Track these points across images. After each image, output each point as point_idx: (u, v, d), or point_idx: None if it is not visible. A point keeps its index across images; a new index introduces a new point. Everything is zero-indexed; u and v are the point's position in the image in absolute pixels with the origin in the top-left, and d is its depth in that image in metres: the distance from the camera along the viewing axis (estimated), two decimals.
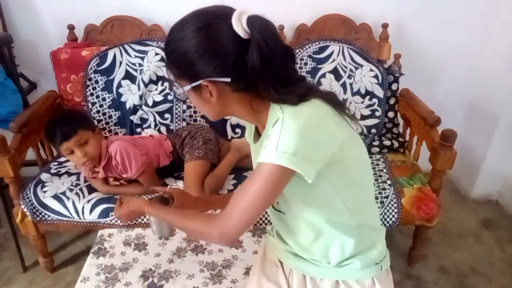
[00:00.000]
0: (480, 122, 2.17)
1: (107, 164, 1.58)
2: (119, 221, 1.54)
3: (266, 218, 1.54)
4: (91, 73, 1.87)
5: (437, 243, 1.95)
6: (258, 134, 0.94)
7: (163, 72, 1.87)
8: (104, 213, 1.55)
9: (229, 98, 0.81)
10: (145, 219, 1.55)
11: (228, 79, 0.76)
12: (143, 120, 1.92)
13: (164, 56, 0.83)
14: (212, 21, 0.77)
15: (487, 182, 2.21)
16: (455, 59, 2.13)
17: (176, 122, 1.91)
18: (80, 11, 1.96)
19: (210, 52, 0.75)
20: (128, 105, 1.90)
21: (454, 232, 2.04)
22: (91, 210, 1.55)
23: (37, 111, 1.73)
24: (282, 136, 0.73)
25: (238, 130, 1.94)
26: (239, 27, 0.73)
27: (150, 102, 1.89)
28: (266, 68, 0.75)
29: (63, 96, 1.91)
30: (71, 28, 1.95)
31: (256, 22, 0.74)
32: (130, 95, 1.89)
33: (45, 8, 1.96)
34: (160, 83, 1.88)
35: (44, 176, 1.66)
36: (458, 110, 2.23)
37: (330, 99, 0.82)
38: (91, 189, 1.62)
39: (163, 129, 1.92)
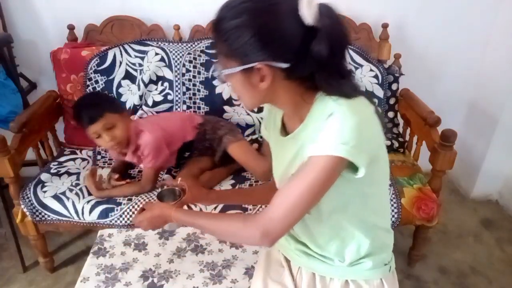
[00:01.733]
0: (480, 122, 2.17)
1: (135, 150, 1.56)
2: (119, 222, 1.54)
3: None
4: (91, 73, 1.87)
5: (437, 243, 1.95)
6: (283, 128, 0.92)
7: (163, 72, 1.87)
8: (104, 214, 1.55)
9: (279, 85, 0.78)
10: None
11: (286, 65, 0.73)
12: None
13: (216, 30, 0.76)
14: (277, 1, 0.72)
15: (487, 182, 2.20)
16: (455, 59, 2.13)
17: None
18: (80, 11, 1.96)
19: (273, 34, 0.72)
20: (128, 105, 1.90)
21: (454, 232, 2.04)
22: (91, 211, 1.55)
23: (37, 111, 1.73)
24: (343, 129, 0.71)
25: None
26: (309, 12, 0.70)
27: (150, 102, 1.89)
28: (331, 58, 0.72)
29: (63, 96, 1.91)
30: (71, 28, 1.95)
31: (327, 10, 0.72)
32: (130, 95, 1.89)
33: (45, 8, 1.96)
34: (160, 83, 1.88)
35: (44, 176, 1.66)
36: (458, 110, 2.23)
37: (368, 97, 0.81)
38: None
39: None
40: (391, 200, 1.53)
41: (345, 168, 0.76)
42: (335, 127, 0.72)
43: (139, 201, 1.56)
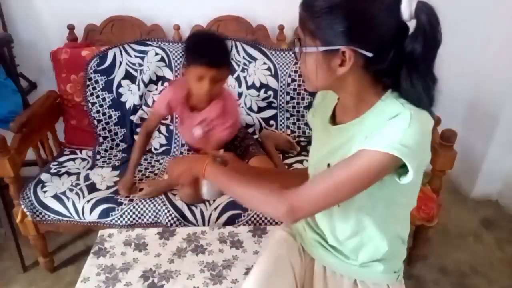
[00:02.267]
0: (480, 122, 2.17)
1: (212, 106, 1.51)
2: (120, 222, 1.54)
3: (266, 218, 1.54)
4: (91, 73, 1.87)
5: (437, 243, 1.95)
6: (333, 117, 0.92)
7: (163, 72, 1.87)
8: (104, 213, 1.55)
9: (354, 74, 0.77)
10: (144, 220, 1.55)
11: (371, 54, 0.73)
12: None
13: (307, 6, 0.76)
14: None
15: (487, 182, 2.20)
16: (455, 59, 2.12)
17: (176, 122, 1.91)
18: (80, 11, 1.95)
19: (367, 21, 0.72)
20: (128, 105, 1.90)
21: (454, 232, 2.04)
22: (91, 210, 1.55)
23: (37, 111, 1.73)
24: (407, 131, 0.71)
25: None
26: (409, 8, 0.71)
27: (150, 102, 1.89)
28: (422, 58, 0.73)
29: (63, 96, 1.91)
30: (71, 28, 1.95)
31: (427, 9, 0.72)
32: (130, 95, 1.89)
33: (45, 8, 1.96)
34: (160, 83, 1.88)
35: (44, 176, 1.66)
36: (458, 110, 2.23)
37: (431, 112, 0.79)
38: (91, 189, 1.62)
39: (163, 129, 1.92)
40: None
41: (393, 171, 0.75)
42: (399, 128, 0.72)
43: (140, 201, 1.56)
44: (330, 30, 0.73)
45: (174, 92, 1.54)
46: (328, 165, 0.89)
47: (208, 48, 1.36)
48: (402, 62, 0.74)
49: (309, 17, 0.76)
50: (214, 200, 1.56)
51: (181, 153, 1.85)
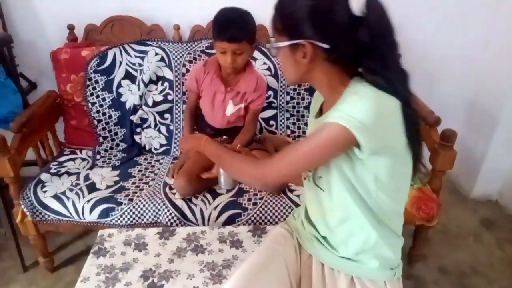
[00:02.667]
0: (480, 122, 2.17)
1: (243, 81, 1.63)
2: (119, 222, 1.54)
3: (266, 218, 1.54)
4: (91, 73, 1.87)
5: (437, 243, 1.95)
6: (320, 112, 0.99)
7: (163, 72, 1.87)
8: (104, 213, 1.55)
9: (318, 65, 0.86)
10: (144, 219, 1.55)
11: (328, 46, 0.81)
12: (143, 120, 1.92)
13: (277, 8, 0.87)
14: None
15: (487, 182, 2.20)
16: (455, 59, 2.13)
17: (176, 122, 1.91)
18: (80, 11, 1.96)
19: (322, 15, 0.80)
20: (128, 105, 1.90)
21: (454, 232, 2.04)
22: (91, 210, 1.55)
23: (37, 111, 1.73)
24: (359, 105, 0.78)
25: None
26: (357, 4, 0.78)
27: (150, 102, 1.89)
28: (372, 45, 0.80)
29: (63, 96, 1.91)
30: (71, 28, 1.95)
31: (375, 5, 0.80)
32: (130, 95, 1.89)
33: (45, 8, 1.96)
34: (160, 83, 1.88)
35: (44, 176, 1.66)
36: (458, 110, 2.23)
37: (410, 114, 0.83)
38: (91, 189, 1.62)
39: (163, 129, 1.92)
40: None
41: (354, 146, 0.81)
42: (353, 101, 0.79)
43: (140, 201, 1.57)
44: (291, 27, 0.84)
45: (200, 66, 1.66)
46: None
47: (229, 24, 1.45)
48: (360, 52, 0.81)
49: (277, 17, 0.87)
50: (214, 200, 1.56)
51: (181, 152, 1.86)
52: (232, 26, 1.44)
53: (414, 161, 0.90)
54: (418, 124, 0.88)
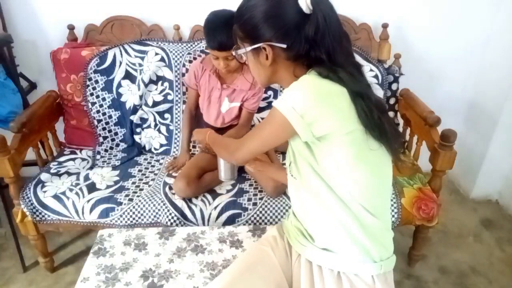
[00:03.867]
0: (480, 122, 2.17)
1: (240, 79, 1.65)
2: (119, 222, 1.54)
3: (266, 218, 1.54)
4: (91, 73, 1.87)
5: (437, 243, 1.95)
6: None
7: (163, 72, 1.87)
8: (104, 213, 1.55)
9: (281, 64, 0.93)
10: (144, 219, 1.55)
11: (284, 45, 0.88)
12: (143, 120, 1.92)
13: (236, 18, 0.94)
14: None
15: (487, 182, 2.20)
16: (455, 59, 2.13)
17: (176, 123, 1.91)
18: (80, 11, 1.96)
19: (274, 18, 0.87)
20: (128, 105, 1.90)
21: (454, 232, 2.04)
22: (91, 210, 1.55)
23: (37, 111, 1.73)
24: (296, 91, 0.85)
25: None
26: (304, 2, 0.84)
27: (150, 102, 1.89)
28: (318, 39, 0.85)
29: (63, 96, 1.91)
30: (71, 28, 1.95)
31: (321, 2, 0.85)
32: (130, 95, 1.89)
33: (45, 8, 1.96)
34: (160, 83, 1.88)
35: (44, 176, 1.66)
36: (458, 110, 2.23)
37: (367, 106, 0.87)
38: (91, 189, 1.62)
39: (163, 129, 1.92)
40: (391, 200, 1.53)
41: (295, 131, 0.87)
42: (292, 89, 0.86)
43: (140, 201, 1.57)
44: (251, 33, 0.91)
45: (198, 63, 1.71)
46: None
47: (217, 33, 1.46)
48: (311, 47, 0.87)
49: (237, 26, 0.94)
50: (214, 200, 1.56)
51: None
52: (220, 35, 1.44)
53: (391, 152, 0.94)
54: (382, 113, 0.90)
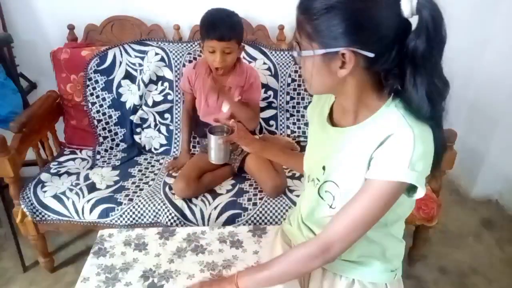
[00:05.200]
0: (480, 122, 2.17)
1: (234, 78, 1.63)
2: (119, 222, 1.54)
3: (266, 218, 1.54)
4: (91, 73, 1.87)
5: (437, 243, 1.95)
6: (330, 116, 0.92)
7: (163, 72, 1.87)
8: (104, 213, 1.55)
9: (357, 77, 0.76)
10: (144, 219, 1.55)
11: (372, 54, 0.70)
12: (143, 120, 1.91)
13: (304, 9, 0.74)
14: None
15: (487, 182, 2.20)
16: (455, 59, 2.11)
17: (176, 123, 1.91)
18: (80, 11, 1.96)
19: (367, 21, 0.69)
20: (128, 105, 1.90)
21: (454, 232, 2.04)
22: (91, 210, 1.55)
23: (37, 111, 1.73)
24: (414, 155, 0.72)
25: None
26: (408, 3, 0.68)
27: (150, 102, 1.89)
28: (427, 56, 0.70)
29: (63, 96, 1.91)
30: (71, 28, 1.95)
31: (428, 4, 0.70)
32: (130, 95, 1.89)
33: (45, 8, 1.96)
34: (160, 83, 1.88)
35: (44, 176, 1.66)
36: (458, 110, 2.23)
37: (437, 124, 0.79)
38: (91, 189, 1.62)
39: (163, 129, 1.92)
40: None
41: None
42: (404, 152, 0.72)
43: (140, 201, 1.57)
44: (328, 32, 0.71)
45: (191, 68, 1.69)
46: (323, 167, 0.89)
47: (217, 23, 1.46)
48: (406, 62, 0.71)
49: (306, 20, 0.73)
50: (214, 200, 1.56)
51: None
52: (221, 25, 1.46)
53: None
54: (445, 144, 0.84)
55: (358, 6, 0.69)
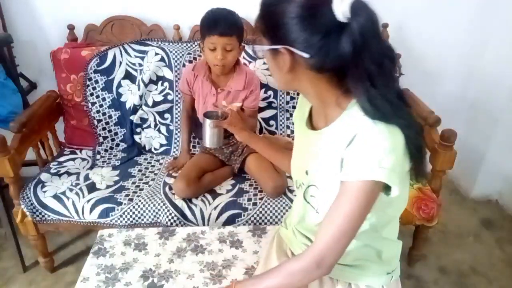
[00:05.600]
0: (480, 122, 2.17)
1: (233, 80, 1.64)
2: (119, 222, 1.54)
3: (266, 218, 1.54)
4: (91, 73, 1.87)
5: (437, 243, 1.95)
6: (309, 119, 0.93)
7: (163, 72, 1.87)
8: (104, 213, 1.55)
9: (302, 74, 0.78)
10: (144, 219, 1.55)
11: (307, 55, 0.73)
12: (143, 120, 1.92)
13: (260, 6, 0.79)
14: None
15: (487, 182, 2.20)
16: (455, 59, 2.13)
17: (176, 123, 1.91)
18: (80, 11, 1.96)
19: (302, 22, 0.72)
20: (128, 105, 1.90)
21: (454, 232, 2.04)
22: (91, 210, 1.55)
23: (37, 111, 1.73)
24: (380, 151, 0.72)
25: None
26: (340, 8, 0.69)
27: (150, 102, 1.89)
28: (356, 58, 0.70)
29: (63, 96, 1.91)
30: (71, 28, 1.95)
31: (360, 7, 0.70)
32: (130, 95, 1.89)
33: (45, 8, 1.96)
34: (160, 83, 1.88)
35: (44, 176, 1.66)
36: (458, 110, 2.23)
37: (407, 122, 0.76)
38: (91, 189, 1.62)
39: (163, 129, 1.92)
40: None
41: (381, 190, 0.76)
42: (371, 150, 0.72)
43: (140, 201, 1.57)
44: (272, 30, 0.77)
45: (190, 70, 1.69)
46: (306, 172, 0.90)
47: (219, 20, 1.48)
48: (347, 64, 0.72)
49: (260, 17, 0.79)
50: (214, 200, 1.56)
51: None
52: (223, 21, 1.48)
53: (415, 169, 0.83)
54: (422, 145, 0.80)
55: (295, 7, 0.72)
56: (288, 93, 1.90)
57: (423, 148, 0.80)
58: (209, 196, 1.59)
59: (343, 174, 0.76)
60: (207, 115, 1.27)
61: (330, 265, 0.79)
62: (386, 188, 0.76)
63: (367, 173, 0.72)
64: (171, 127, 1.92)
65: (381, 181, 0.72)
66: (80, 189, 1.61)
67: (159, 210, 1.55)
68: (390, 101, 0.73)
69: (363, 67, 0.71)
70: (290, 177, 1.67)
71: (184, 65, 1.86)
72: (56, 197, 1.57)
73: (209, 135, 1.27)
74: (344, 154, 0.77)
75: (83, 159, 1.85)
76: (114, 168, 1.78)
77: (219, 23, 1.47)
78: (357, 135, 0.74)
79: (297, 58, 0.75)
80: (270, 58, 0.81)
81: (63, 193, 1.58)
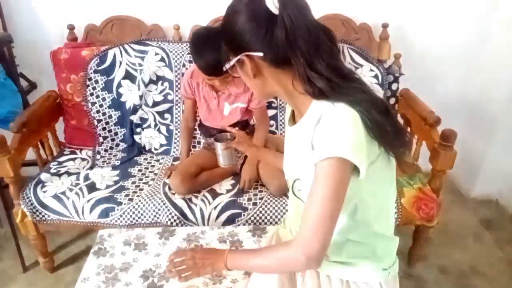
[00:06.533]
0: (480, 122, 2.17)
1: (232, 84, 1.61)
2: (119, 222, 1.54)
3: (266, 218, 1.54)
4: (91, 73, 1.87)
5: (437, 243, 1.95)
6: (293, 117, 0.96)
7: (163, 72, 1.87)
8: (104, 213, 1.55)
9: (267, 74, 0.83)
10: (144, 219, 1.55)
11: (261, 53, 0.78)
12: (143, 120, 1.92)
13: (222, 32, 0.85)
14: None
15: (487, 182, 2.20)
16: (455, 59, 2.13)
17: (176, 123, 1.91)
18: (80, 11, 1.96)
19: (248, 24, 0.77)
20: (128, 105, 1.90)
21: (454, 232, 2.04)
22: (91, 210, 1.55)
23: (37, 111, 1.73)
24: (339, 129, 0.75)
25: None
26: (270, 2, 0.75)
27: (150, 102, 1.89)
28: (292, 44, 0.75)
29: (63, 96, 1.91)
30: (71, 28, 1.95)
31: (289, 1, 0.76)
32: (130, 95, 1.89)
33: (45, 8, 1.96)
34: (160, 83, 1.88)
35: (44, 176, 1.66)
36: (458, 110, 2.23)
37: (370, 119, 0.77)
38: (91, 189, 1.62)
39: (163, 129, 1.92)
40: None
41: (352, 171, 0.77)
42: (328, 128, 0.76)
43: (140, 201, 1.57)
44: (231, 44, 0.82)
45: (189, 76, 1.67)
46: (290, 168, 0.96)
47: (199, 61, 1.46)
48: (286, 51, 0.77)
49: (223, 40, 0.84)
50: (214, 200, 1.56)
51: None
52: (202, 66, 1.46)
53: (396, 157, 0.85)
54: (382, 113, 0.79)
55: (237, 16, 0.78)
56: None
57: (382, 123, 0.78)
58: (209, 196, 1.59)
59: (313, 157, 0.78)
60: (217, 139, 1.35)
61: (317, 251, 0.78)
62: (356, 169, 0.77)
63: (330, 150, 0.74)
64: (171, 127, 1.92)
65: (346, 159, 0.74)
66: (80, 189, 1.61)
67: (159, 210, 1.55)
68: (329, 79, 0.77)
69: (300, 50, 0.76)
70: None
71: (184, 65, 1.86)
72: (56, 197, 1.57)
73: (222, 156, 1.35)
74: (312, 139, 0.80)
75: (83, 159, 1.85)
76: (114, 168, 1.78)
77: (199, 65, 1.47)
78: (321, 118, 0.78)
79: (257, 60, 0.80)
80: (239, 70, 0.85)
81: (63, 193, 1.58)
